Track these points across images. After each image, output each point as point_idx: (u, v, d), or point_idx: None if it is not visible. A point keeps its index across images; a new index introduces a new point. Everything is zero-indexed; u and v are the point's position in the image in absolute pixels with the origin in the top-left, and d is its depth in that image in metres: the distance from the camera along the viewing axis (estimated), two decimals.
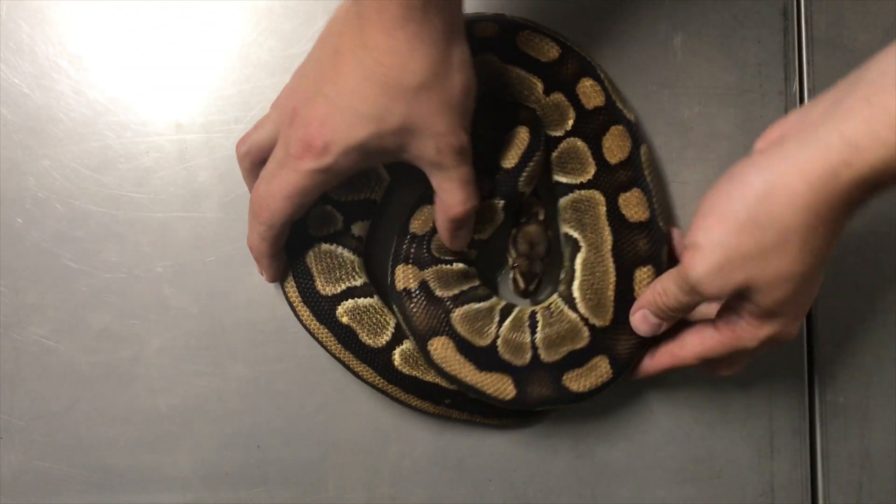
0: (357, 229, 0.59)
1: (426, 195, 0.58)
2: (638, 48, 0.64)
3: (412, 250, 0.58)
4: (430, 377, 0.60)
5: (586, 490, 0.65)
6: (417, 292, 0.57)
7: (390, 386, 0.59)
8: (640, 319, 0.56)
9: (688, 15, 0.64)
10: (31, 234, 0.63)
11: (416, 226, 0.58)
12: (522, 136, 0.58)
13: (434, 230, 0.57)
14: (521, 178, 0.58)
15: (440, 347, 0.57)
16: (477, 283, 0.60)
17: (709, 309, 0.57)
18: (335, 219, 0.58)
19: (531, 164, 0.58)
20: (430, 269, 0.58)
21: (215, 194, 0.63)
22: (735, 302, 0.52)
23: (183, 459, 0.64)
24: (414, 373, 0.59)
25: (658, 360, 0.58)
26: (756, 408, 0.65)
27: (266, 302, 0.63)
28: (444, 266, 0.58)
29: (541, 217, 0.60)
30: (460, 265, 0.59)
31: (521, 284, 0.58)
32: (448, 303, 0.57)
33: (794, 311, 0.51)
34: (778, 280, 0.47)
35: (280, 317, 0.63)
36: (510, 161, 0.58)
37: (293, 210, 0.52)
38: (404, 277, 0.57)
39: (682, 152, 0.64)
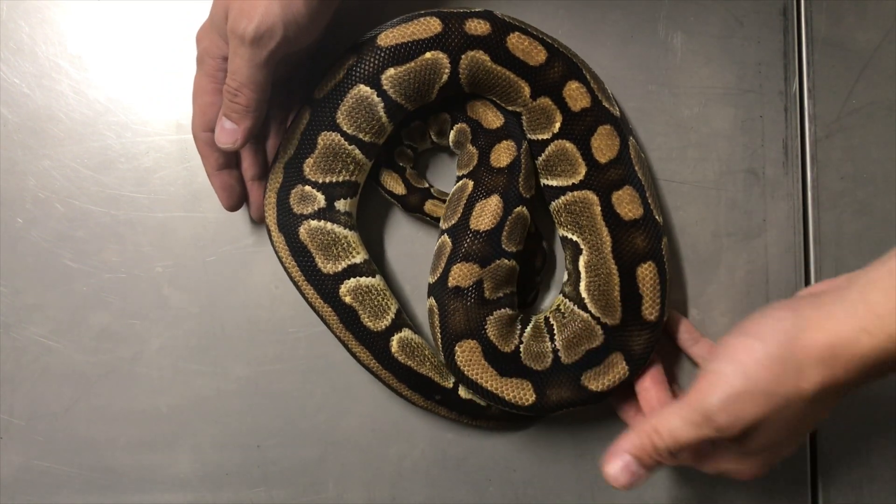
0: (342, 205, 0.59)
1: (474, 194, 0.58)
2: (638, 48, 0.64)
3: (475, 247, 0.57)
4: (425, 369, 0.60)
5: (586, 490, 0.65)
6: (468, 292, 0.57)
7: (384, 371, 0.60)
8: (622, 470, 0.50)
9: (688, 15, 0.64)
10: (31, 234, 0.63)
11: (482, 222, 0.57)
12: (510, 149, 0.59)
13: (502, 224, 0.57)
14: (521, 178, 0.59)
15: (467, 350, 0.57)
16: (514, 288, 0.60)
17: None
18: (315, 197, 0.58)
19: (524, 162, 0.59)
20: (490, 265, 0.57)
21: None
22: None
23: (183, 459, 0.64)
24: (409, 362, 0.59)
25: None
26: None
27: (266, 302, 0.63)
28: (504, 261, 0.57)
29: None
30: (514, 262, 0.59)
31: None
32: (490, 306, 0.57)
33: (768, 455, 0.50)
34: (780, 422, 0.47)
35: (280, 317, 0.63)
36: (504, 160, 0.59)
37: (265, 80, 0.53)
38: (460, 275, 0.57)
39: (682, 152, 0.64)
